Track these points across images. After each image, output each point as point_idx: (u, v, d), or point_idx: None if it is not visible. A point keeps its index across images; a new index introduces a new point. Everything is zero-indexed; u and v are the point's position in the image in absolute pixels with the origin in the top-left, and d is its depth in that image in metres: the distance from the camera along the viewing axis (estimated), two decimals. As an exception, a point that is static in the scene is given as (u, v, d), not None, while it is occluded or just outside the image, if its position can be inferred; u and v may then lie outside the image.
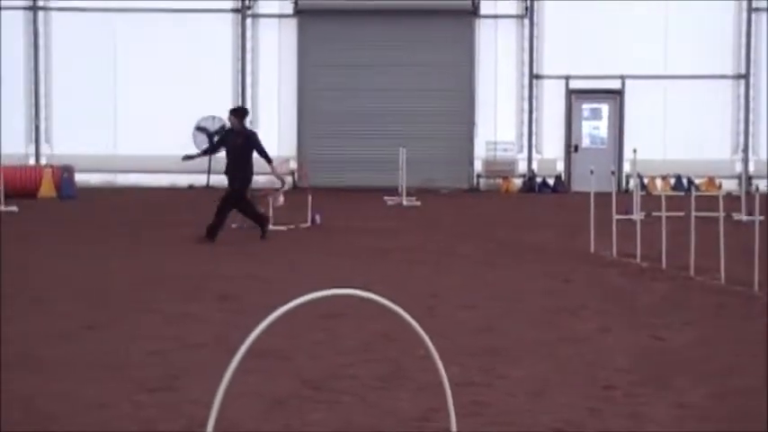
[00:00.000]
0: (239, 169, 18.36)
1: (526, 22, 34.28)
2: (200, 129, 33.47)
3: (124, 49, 33.88)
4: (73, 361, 9.04)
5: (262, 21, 34.54)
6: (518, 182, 34.30)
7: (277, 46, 34.42)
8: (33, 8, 34.18)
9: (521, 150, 34.49)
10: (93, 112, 33.35)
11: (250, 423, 7.06)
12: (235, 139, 18.51)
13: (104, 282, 13.90)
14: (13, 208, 24.02)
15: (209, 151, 19.96)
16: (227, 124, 33.42)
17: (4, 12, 33.69)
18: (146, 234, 19.38)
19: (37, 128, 34.32)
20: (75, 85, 33.61)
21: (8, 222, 21.92)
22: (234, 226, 19.41)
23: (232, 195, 18.43)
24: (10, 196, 24.70)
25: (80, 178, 30.10)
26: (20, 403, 7.59)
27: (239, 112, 19.13)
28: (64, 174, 28.97)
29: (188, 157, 19.26)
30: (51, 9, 34.32)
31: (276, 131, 34.07)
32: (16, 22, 34.16)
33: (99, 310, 11.70)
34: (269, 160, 18.68)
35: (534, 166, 34.41)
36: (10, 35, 33.91)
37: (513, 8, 34.46)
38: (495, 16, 34.36)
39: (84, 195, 28.53)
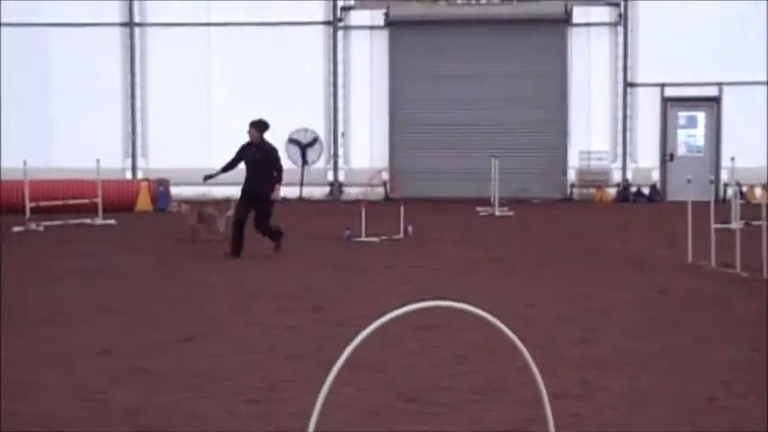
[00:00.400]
0: (264, 182, 17.84)
1: (620, 29, 33.92)
2: (292, 141, 33.70)
3: (219, 62, 34.25)
4: (173, 373, 9.15)
5: (353, 32, 34.65)
6: (612, 191, 33.94)
7: (368, 57, 34.49)
8: (130, 24, 34.70)
9: (615, 159, 34.12)
10: (187, 126, 33.74)
11: (346, 435, 7.07)
12: (255, 154, 18.01)
13: (201, 295, 14.05)
14: (112, 221, 24.40)
15: (228, 167, 18.50)
16: (320, 137, 34.07)
17: (101, 28, 34.24)
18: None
19: (133, 142, 34.81)
20: (171, 99, 34.03)
21: (107, 235, 22.30)
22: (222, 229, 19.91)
23: (266, 209, 18.01)
24: (108, 210, 25.08)
25: (175, 191, 30.44)
26: (126, 417, 7.68)
27: (260, 126, 18.28)
28: (159, 187, 29.35)
29: (208, 177, 18.88)
30: (147, 25, 34.81)
31: (368, 142, 34.20)
32: (113, 39, 34.71)
33: (196, 322, 11.82)
34: (280, 180, 18.06)
35: (629, 175, 34.02)
36: (107, 51, 34.48)
37: (607, 15, 34.13)
38: (588, 24, 34.04)
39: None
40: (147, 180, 30.57)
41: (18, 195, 24.21)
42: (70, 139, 33.67)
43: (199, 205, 21.83)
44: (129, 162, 34.74)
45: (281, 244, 18.37)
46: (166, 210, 21.57)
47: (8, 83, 33.91)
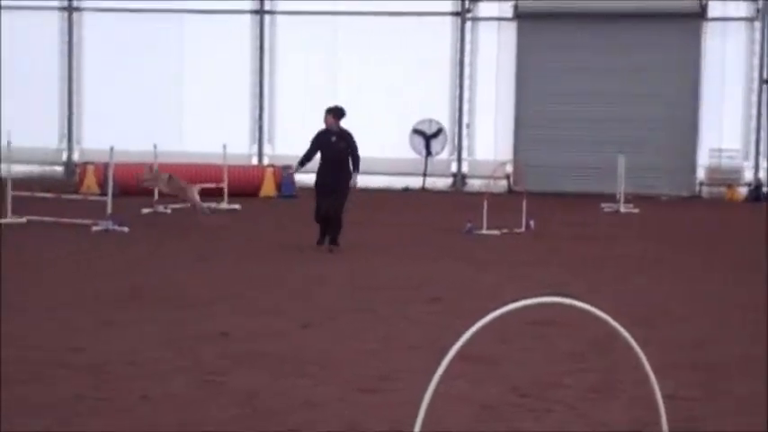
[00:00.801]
0: (344, 171, 17.23)
1: (757, 24, 33.24)
2: (416, 132, 33.77)
3: (345, 51, 34.45)
4: (290, 359, 9.26)
5: (481, 24, 34.56)
6: (743, 190, 33.28)
7: (496, 49, 34.37)
8: (260, 12, 35.11)
9: (746, 158, 33.46)
10: (313, 113, 33.95)
11: (458, 428, 7.07)
12: (337, 142, 17.27)
13: (320, 282, 14.18)
14: (236, 206, 24.76)
15: (306, 159, 17.71)
16: (444, 128, 34.04)
17: (233, 16, 34.73)
18: (362, 235, 19.58)
19: (260, 128, 35.27)
20: (298, 86, 34.37)
21: (233, 219, 22.65)
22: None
23: (343, 202, 17.35)
24: (233, 194, 25.44)
25: (300, 178, 30.68)
26: (244, 399, 7.80)
27: (337, 112, 17.58)
28: (284, 173, 29.63)
29: (288, 170, 18.24)
30: (277, 13, 35.18)
31: (492, 135, 34.10)
32: (244, 27, 35.17)
33: (314, 309, 11.94)
34: (358, 168, 17.39)
35: (761, 174, 33.33)
36: (238, 39, 34.96)
37: (744, 10, 33.47)
38: (724, 19, 33.43)
39: (304, 194, 29.08)
40: (272, 166, 30.90)
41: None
42: (199, 124, 34.27)
43: (169, 177, 21.68)
44: (255, 148, 35.22)
45: (338, 242, 17.41)
46: (141, 184, 21.40)
47: (142, 68, 34.61)
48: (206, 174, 26.94)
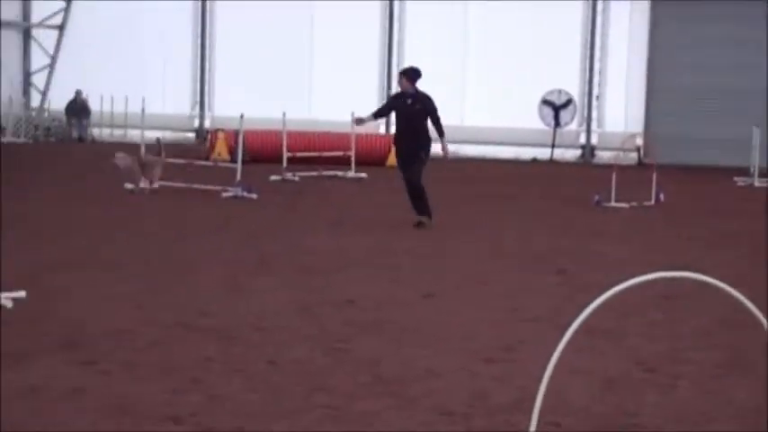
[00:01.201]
0: (421, 137, 16.21)
1: None
2: (546, 102, 33.54)
3: (476, 30, 34.30)
4: (413, 328, 9.32)
5: (612, 2, 34.11)
6: None
7: (628, 20, 33.89)
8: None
9: None
10: (440, 87, 34.00)
11: (581, 400, 7.04)
12: (412, 105, 16.16)
13: (445, 252, 14.22)
14: (363, 174, 24.97)
15: (380, 114, 17.04)
16: (574, 98, 33.72)
17: (362, 2, 35.04)
18: (488, 206, 19.56)
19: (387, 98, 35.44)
20: (425, 63, 34.32)
21: (359, 187, 22.81)
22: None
23: (418, 166, 16.33)
24: (360, 163, 25.63)
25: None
26: (367, 367, 7.88)
27: (411, 74, 16.36)
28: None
29: (360, 121, 17.23)
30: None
31: (623, 106, 33.70)
32: (374, 7, 35.35)
33: (439, 279, 11.98)
34: (442, 132, 16.45)
35: None
36: (368, 19, 35.16)
37: None
38: None
39: (430, 165, 29.11)
40: (398, 136, 30.99)
41: (277, 146, 25.01)
42: (328, 94, 34.54)
43: (137, 152, 21.20)
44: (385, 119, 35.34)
45: (429, 214, 16.45)
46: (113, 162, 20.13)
47: (274, 40, 34.97)
48: (335, 142, 27.19)
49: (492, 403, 7.00)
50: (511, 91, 32.50)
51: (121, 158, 18.95)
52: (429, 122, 16.29)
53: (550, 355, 4.19)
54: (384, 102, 16.56)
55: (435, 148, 16.54)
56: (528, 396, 6.83)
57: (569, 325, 4.16)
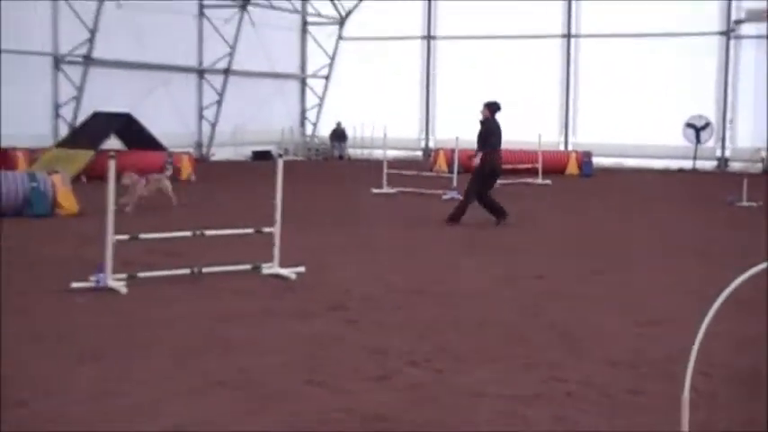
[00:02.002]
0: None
1: None
2: (689, 125, 32.41)
3: (634, 68, 33.41)
4: (591, 297, 9.16)
5: (743, 42, 32.59)
6: None
7: (753, 62, 32.27)
8: (567, 36, 34.62)
9: None
10: (607, 110, 33.34)
11: (721, 358, 6.76)
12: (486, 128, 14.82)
13: (611, 237, 13.91)
14: (548, 181, 24.67)
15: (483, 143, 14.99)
16: (711, 122, 32.43)
17: (545, 39, 34.45)
18: (645, 206, 19.03)
19: (566, 123, 34.83)
20: (596, 92, 33.76)
21: (543, 191, 22.55)
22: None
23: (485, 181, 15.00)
24: (545, 173, 25.39)
25: (597, 161, 30.22)
26: (553, 326, 7.79)
27: (492, 106, 14.95)
28: (584, 157, 29.30)
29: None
30: (581, 36, 34.58)
31: (751, 127, 32.12)
32: (555, 47, 34.85)
33: (607, 258, 11.73)
34: (479, 150, 14.92)
35: None
36: (549, 56, 34.67)
37: None
38: None
39: (599, 174, 28.63)
40: (575, 151, 30.51)
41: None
42: (519, 119, 34.20)
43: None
44: (562, 137, 34.81)
45: (457, 218, 15.10)
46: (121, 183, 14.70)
47: (480, 77, 34.87)
48: (525, 157, 26.93)
49: (651, 357, 6.81)
50: (661, 115, 31.74)
51: (127, 177, 15.86)
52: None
53: (696, 322, 4.05)
54: (491, 130, 14.79)
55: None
56: (677, 353, 6.62)
57: (715, 299, 4.01)
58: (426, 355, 6.72)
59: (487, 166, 14.92)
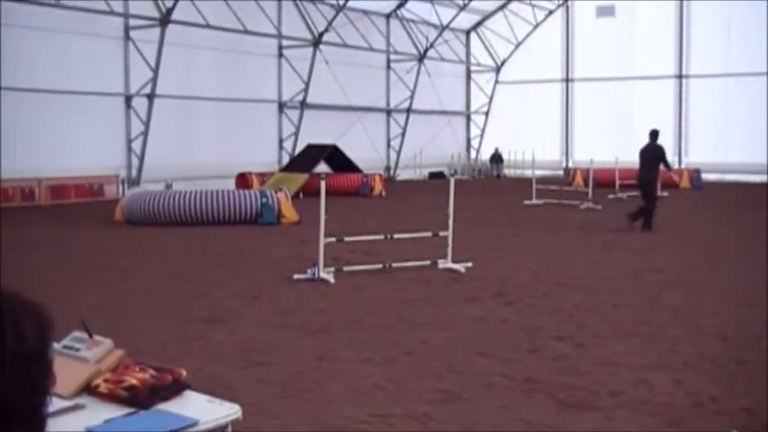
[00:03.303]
0: (650, 173, 14.56)
1: None
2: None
3: (730, 104, 31.46)
4: (701, 284, 8.78)
5: None
6: None
7: None
8: (680, 77, 33.01)
9: None
10: (714, 135, 31.57)
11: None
12: (646, 153, 14.56)
13: (714, 238, 13.20)
14: (665, 194, 23.48)
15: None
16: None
17: (658, 81, 32.98)
18: (745, 213, 17.86)
19: (680, 144, 33.17)
20: (708, 121, 32.03)
21: (663, 202, 21.58)
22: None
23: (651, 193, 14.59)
24: (663, 186, 23.99)
25: (704, 176, 28.60)
26: (671, 309, 7.55)
27: (653, 134, 14.73)
28: (695, 173, 27.92)
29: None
30: (691, 77, 32.89)
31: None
32: (667, 89, 33.29)
33: (713, 255, 11.15)
34: (668, 167, 15.05)
35: None
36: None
37: None
38: None
39: (708, 187, 27.14)
40: (687, 169, 28.99)
41: (613, 177, 24.13)
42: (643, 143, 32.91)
43: None
44: (676, 157, 33.22)
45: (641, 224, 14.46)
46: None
47: (610, 111, 33.79)
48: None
49: (751, 333, 6.52)
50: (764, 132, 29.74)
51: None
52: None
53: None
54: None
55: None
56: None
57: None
58: (569, 332, 6.71)
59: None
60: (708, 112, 32.23)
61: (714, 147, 31.61)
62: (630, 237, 13.67)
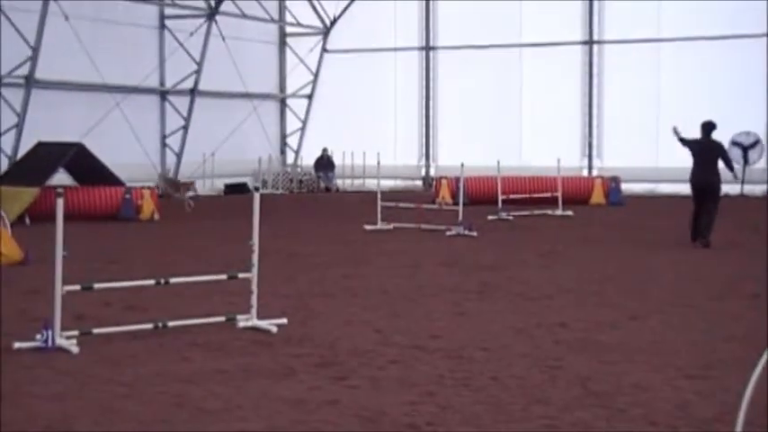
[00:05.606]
0: (713, 175, 17.54)
1: None
2: (735, 143, 32.46)
3: (667, 77, 33.65)
4: (620, 346, 9.17)
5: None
6: None
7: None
8: (590, 42, 34.87)
9: None
10: (637, 129, 33.52)
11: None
12: (705, 150, 17.59)
13: (646, 278, 13.91)
14: (569, 212, 24.69)
15: (683, 142, 17.88)
16: (761, 139, 32.57)
17: (564, 47, 34.73)
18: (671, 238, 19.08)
19: (590, 144, 34.99)
20: (623, 107, 33.95)
21: (564, 224, 22.57)
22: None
23: (716, 199, 17.62)
24: (566, 202, 25.40)
25: (626, 187, 30.27)
26: (579, 381, 7.79)
27: (707, 126, 17.84)
28: (612, 183, 29.36)
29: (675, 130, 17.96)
30: (604, 42, 34.82)
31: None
32: (574, 55, 35.07)
33: (641, 303, 11.74)
34: (731, 168, 18.12)
35: None
36: (569, 66, 34.90)
37: None
38: None
39: (630, 202, 28.70)
40: (600, 177, 30.64)
41: (493, 189, 25.11)
42: (536, 143, 34.46)
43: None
44: (585, 161, 34.95)
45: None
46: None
47: (484, 96, 35.17)
48: (543, 184, 27.05)
49: (695, 415, 6.81)
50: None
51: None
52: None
53: (749, 372, 4.06)
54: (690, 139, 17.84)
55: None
56: (729, 410, 6.62)
57: (763, 346, 4.03)
58: (428, 418, 6.72)
59: None
60: (630, 94, 34.09)
61: (639, 146, 33.47)
62: (516, 275, 14.10)
